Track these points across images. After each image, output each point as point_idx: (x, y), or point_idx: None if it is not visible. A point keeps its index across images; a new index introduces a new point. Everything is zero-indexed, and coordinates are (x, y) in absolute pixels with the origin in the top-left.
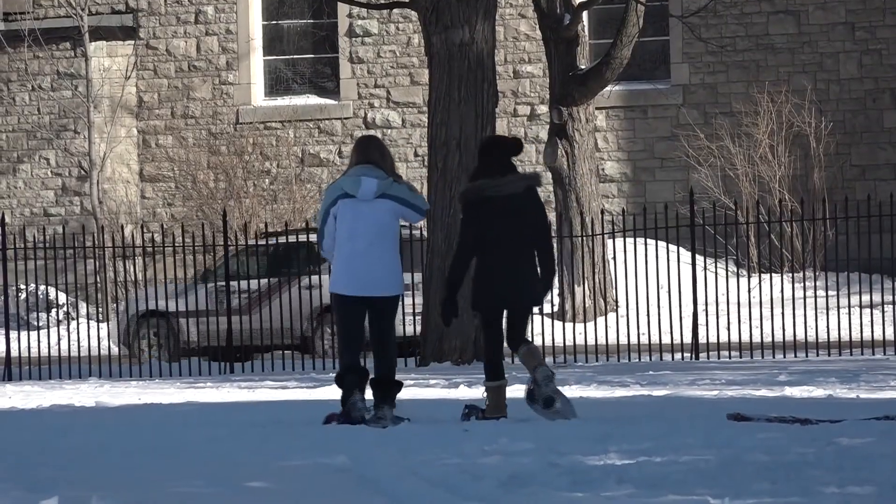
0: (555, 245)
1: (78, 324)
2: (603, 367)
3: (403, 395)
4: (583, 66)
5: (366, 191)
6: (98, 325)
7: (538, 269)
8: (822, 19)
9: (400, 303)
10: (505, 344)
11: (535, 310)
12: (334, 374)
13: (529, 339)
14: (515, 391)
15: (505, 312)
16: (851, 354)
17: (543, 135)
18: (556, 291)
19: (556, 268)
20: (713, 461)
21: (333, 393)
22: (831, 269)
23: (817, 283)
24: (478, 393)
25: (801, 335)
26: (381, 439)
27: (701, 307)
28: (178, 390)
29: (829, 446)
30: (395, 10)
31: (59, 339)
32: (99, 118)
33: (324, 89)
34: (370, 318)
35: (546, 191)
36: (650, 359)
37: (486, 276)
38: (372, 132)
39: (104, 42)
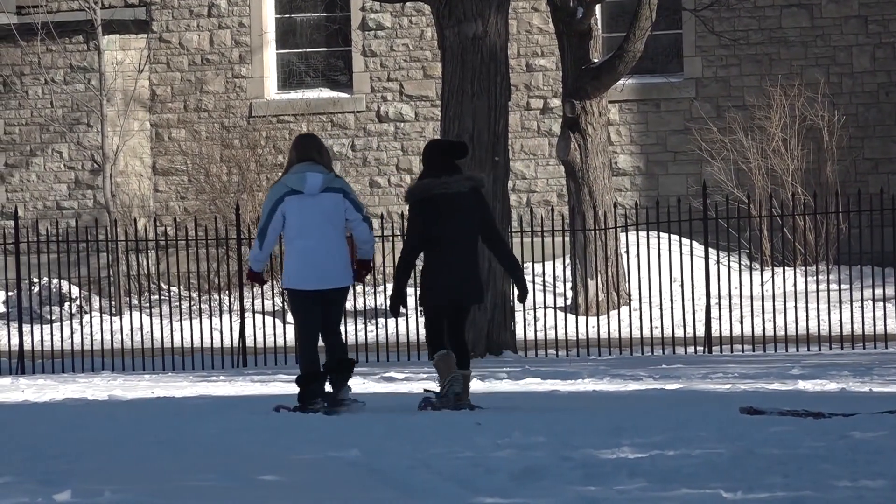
0: (561, 239)
1: (91, 317)
2: (616, 361)
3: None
4: (596, 60)
5: (312, 186)
6: (111, 319)
7: (479, 268)
8: (835, 12)
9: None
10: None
11: (549, 303)
12: (296, 376)
13: (469, 356)
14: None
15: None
16: (864, 348)
17: (556, 128)
18: (569, 285)
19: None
20: (726, 455)
21: None
22: (844, 262)
23: (830, 277)
24: (488, 386)
25: (813, 329)
26: (393, 432)
27: (714, 301)
28: (190, 384)
29: (841, 440)
30: (409, 4)
31: (72, 333)
32: (112, 112)
33: (337, 83)
34: (321, 309)
35: (559, 184)
36: (663, 352)
37: (433, 272)
38: (385, 126)
39: (117, 35)
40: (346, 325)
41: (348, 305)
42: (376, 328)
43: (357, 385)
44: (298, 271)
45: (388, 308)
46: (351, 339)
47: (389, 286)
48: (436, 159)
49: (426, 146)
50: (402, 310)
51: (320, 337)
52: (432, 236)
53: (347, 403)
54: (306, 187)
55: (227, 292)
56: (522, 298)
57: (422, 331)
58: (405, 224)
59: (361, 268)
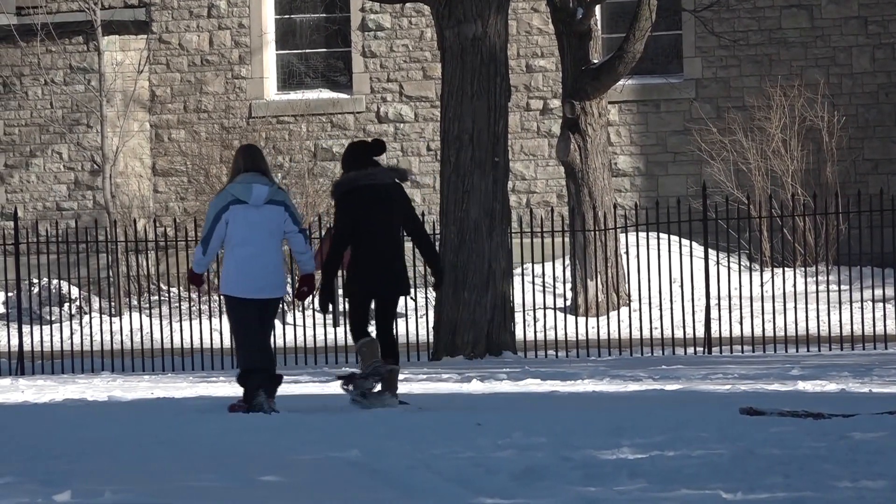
0: (561, 240)
1: (91, 318)
2: (616, 362)
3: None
4: (595, 61)
5: (257, 197)
6: (111, 320)
7: (405, 260)
8: (835, 13)
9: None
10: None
11: (549, 304)
12: (236, 375)
13: (398, 353)
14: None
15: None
16: (864, 349)
17: (556, 129)
18: (568, 286)
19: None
20: (726, 455)
21: None
22: (844, 263)
23: (830, 278)
24: (488, 387)
25: (813, 329)
26: (393, 432)
27: (713, 301)
28: (190, 384)
29: (841, 440)
30: (408, 5)
31: (71, 334)
32: (111, 112)
33: (336, 83)
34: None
35: (559, 185)
36: (663, 353)
37: (360, 263)
38: (384, 127)
39: (117, 36)
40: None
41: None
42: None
43: None
44: (236, 278)
45: (319, 303)
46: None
47: None
48: (358, 157)
49: (346, 149)
50: (331, 306)
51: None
52: (359, 228)
53: (263, 410)
54: (252, 198)
55: None
56: (437, 287)
57: (422, 331)
58: (333, 218)
59: (303, 284)
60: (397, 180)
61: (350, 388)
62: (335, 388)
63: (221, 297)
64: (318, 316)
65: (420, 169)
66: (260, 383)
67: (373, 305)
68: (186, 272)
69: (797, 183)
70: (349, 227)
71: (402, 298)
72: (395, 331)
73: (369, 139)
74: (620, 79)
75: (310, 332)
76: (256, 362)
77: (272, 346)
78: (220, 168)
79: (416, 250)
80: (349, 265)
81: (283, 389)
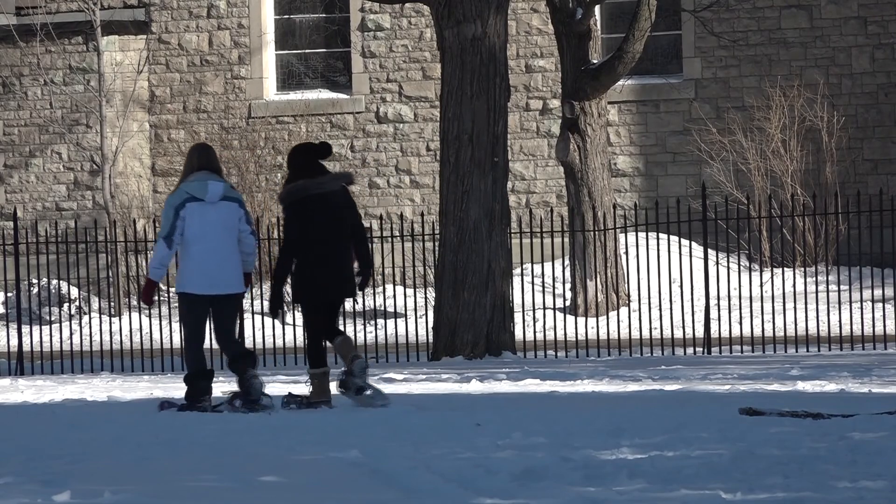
0: (560, 240)
1: (90, 318)
2: (615, 362)
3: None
4: (595, 61)
5: (213, 194)
6: (111, 320)
7: (354, 263)
8: (835, 13)
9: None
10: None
11: (549, 304)
12: (184, 375)
13: (343, 330)
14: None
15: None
16: (864, 349)
17: (555, 129)
18: (568, 286)
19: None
20: (725, 455)
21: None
22: (843, 263)
23: (829, 278)
24: (487, 387)
25: (813, 330)
26: (393, 433)
27: (713, 301)
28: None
29: (841, 441)
30: (408, 5)
31: (71, 334)
32: (111, 112)
33: (336, 84)
34: (214, 314)
35: (558, 185)
36: (662, 353)
37: (309, 269)
38: (384, 127)
39: (116, 36)
40: (345, 326)
41: (348, 306)
42: (375, 329)
43: None
44: (194, 276)
45: (269, 308)
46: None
47: (389, 287)
48: (306, 161)
49: (293, 151)
50: (280, 311)
51: (222, 340)
52: (309, 235)
53: (259, 394)
54: (208, 195)
55: None
56: (362, 287)
57: (421, 332)
58: (281, 227)
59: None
60: (344, 184)
61: (292, 405)
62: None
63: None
64: None
65: (420, 169)
66: (207, 390)
67: None
68: (144, 286)
69: (797, 183)
70: (299, 234)
71: (401, 298)
72: (465, 337)
73: (317, 142)
74: (620, 79)
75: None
76: (203, 366)
77: (242, 335)
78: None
79: (356, 254)
80: (295, 272)
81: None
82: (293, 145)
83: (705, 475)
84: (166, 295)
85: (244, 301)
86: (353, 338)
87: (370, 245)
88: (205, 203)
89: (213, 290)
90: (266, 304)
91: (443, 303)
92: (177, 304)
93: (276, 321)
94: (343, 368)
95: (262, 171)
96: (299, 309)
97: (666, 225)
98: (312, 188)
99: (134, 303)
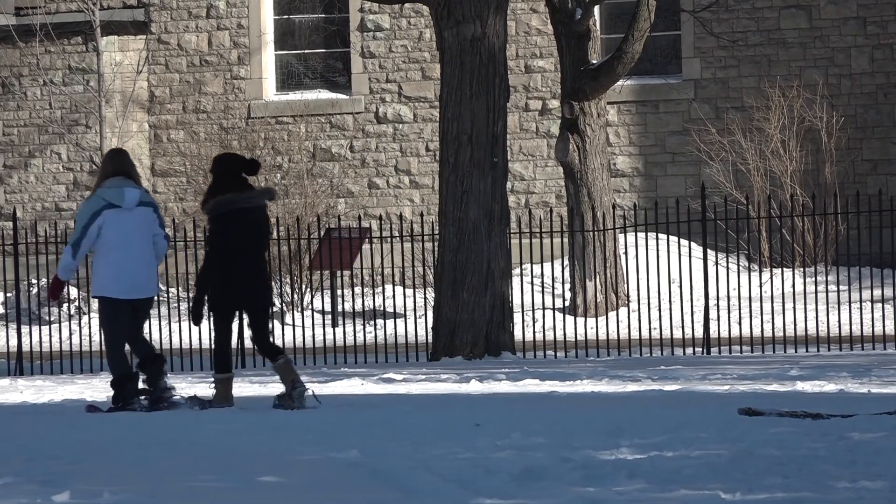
0: (560, 240)
1: (90, 318)
2: (614, 362)
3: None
4: (594, 61)
5: (130, 200)
6: None
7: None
8: (834, 14)
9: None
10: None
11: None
12: (111, 380)
13: (281, 347)
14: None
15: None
16: (863, 349)
17: (555, 129)
18: (567, 286)
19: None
20: (725, 456)
21: (343, 388)
22: (843, 263)
23: (829, 278)
24: (487, 387)
25: (812, 330)
26: (393, 433)
27: (712, 302)
28: (189, 385)
29: (840, 441)
30: (407, 5)
31: (70, 334)
32: (110, 113)
33: (335, 84)
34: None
35: (558, 185)
36: (661, 353)
37: (226, 280)
38: (383, 128)
39: (116, 37)
40: (344, 326)
41: (347, 306)
42: (374, 329)
43: (356, 386)
44: (113, 280)
45: (191, 315)
46: (350, 339)
47: (389, 287)
48: (229, 171)
49: (221, 160)
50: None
51: (133, 340)
52: (232, 246)
53: (168, 396)
54: (125, 202)
55: None
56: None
57: (421, 332)
58: (207, 235)
59: None
60: (267, 201)
61: (195, 406)
62: (334, 388)
63: (95, 300)
64: (318, 317)
65: (419, 169)
66: (135, 392)
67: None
68: (50, 282)
69: (796, 183)
70: (225, 245)
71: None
72: (464, 338)
73: (247, 156)
74: (619, 79)
75: (308, 332)
76: (129, 369)
77: (149, 336)
78: None
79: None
80: (219, 280)
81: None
82: (220, 153)
83: (705, 475)
84: (165, 295)
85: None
86: (292, 359)
87: (370, 246)
88: (121, 209)
89: (134, 294)
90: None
91: (442, 303)
92: (175, 305)
93: (275, 321)
94: (283, 392)
95: (262, 172)
96: (213, 316)
97: (665, 225)
98: (241, 202)
99: None
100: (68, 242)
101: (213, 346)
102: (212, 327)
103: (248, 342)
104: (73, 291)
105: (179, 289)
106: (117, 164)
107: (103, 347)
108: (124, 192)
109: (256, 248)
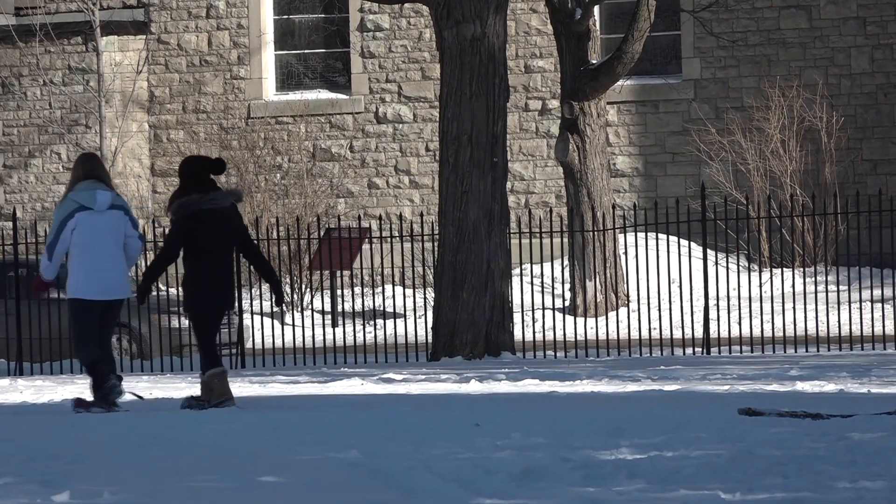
0: (559, 240)
1: None
2: (614, 362)
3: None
4: (594, 61)
5: (101, 203)
6: None
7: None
8: (834, 14)
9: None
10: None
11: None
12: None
13: (220, 359)
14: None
15: None
16: (863, 349)
17: (555, 129)
18: (567, 286)
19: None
20: (725, 456)
21: (343, 388)
22: (843, 263)
23: (828, 278)
24: (487, 387)
25: (812, 330)
26: (393, 433)
27: (712, 302)
28: (188, 385)
29: (840, 441)
30: (407, 5)
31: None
32: (110, 113)
33: (335, 84)
34: (99, 316)
35: (558, 185)
36: (661, 353)
37: (198, 280)
38: (383, 127)
39: (115, 37)
40: (344, 326)
41: (347, 307)
42: (374, 329)
43: (356, 386)
44: (85, 282)
45: (138, 296)
46: (349, 339)
47: (389, 287)
48: (199, 174)
49: (187, 162)
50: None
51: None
52: (198, 247)
53: (116, 395)
54: (97, 204)
55: None
56: (279, 303)
57: (421, 332)
58: (167, 232)
59: None
60: (234, 202)
61: (194, 407)
62: (334, 388)
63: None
64: (317, 317)
65: (419, 169)
66: (109, 370)
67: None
68: (36, 281)
69: (796, 183)
70: (181, 246)
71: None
72: (464, 338)
73: (213, 157)
74: (619, 79)
75: (308, 332)
76: (97, 355)
77: (115, 347)
78: None
79: (256, 270)
80: (185, 282)
81: (283, 389)
82: (187, 155)
83: (704, 475)
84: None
85: (244, 302)
86: (227, 370)
87: (370, 246)
88: (93, 212)
89: (105, 296)
90: (267, 303)
91: (442, 303)
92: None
93: (275, 321)
94: (200, 395)
95: (262, 172)
96: (192, 319)
97: (665, 225)
98: (205, 203)
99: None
100: (46, 245)
101: (199, 346)
102: (191, 327)
103: (248, 343)
104: None
105: (179, 289)
106: (88, 169)
107: (72, 343)
108: (96, 194)
109: (223, 249)
